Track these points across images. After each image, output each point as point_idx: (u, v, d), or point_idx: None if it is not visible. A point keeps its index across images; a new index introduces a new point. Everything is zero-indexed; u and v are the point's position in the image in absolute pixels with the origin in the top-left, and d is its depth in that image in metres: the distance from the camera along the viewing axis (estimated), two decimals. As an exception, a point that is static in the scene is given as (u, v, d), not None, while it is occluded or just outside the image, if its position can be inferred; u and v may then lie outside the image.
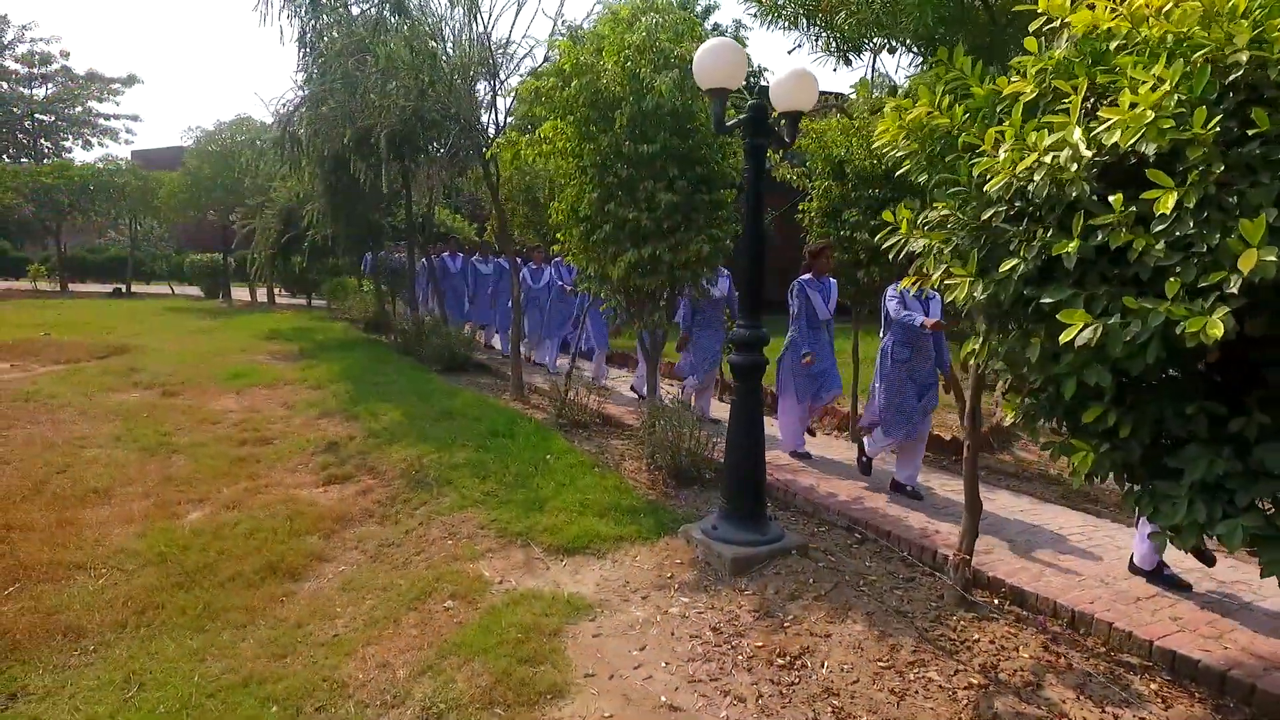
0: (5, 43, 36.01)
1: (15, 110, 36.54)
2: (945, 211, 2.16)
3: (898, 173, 2.55)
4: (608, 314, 6.08)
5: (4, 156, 34.88)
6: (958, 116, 2.22)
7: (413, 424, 6.85)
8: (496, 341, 11.42)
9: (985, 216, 2.01)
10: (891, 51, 3.92)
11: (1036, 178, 1.75)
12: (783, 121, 4.11)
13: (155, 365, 10.64)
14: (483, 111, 7.75)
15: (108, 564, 4.28)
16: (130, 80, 38.99)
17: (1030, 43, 2.03)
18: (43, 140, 37.77)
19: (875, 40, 3.85)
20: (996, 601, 3.57)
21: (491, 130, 7.79)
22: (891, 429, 4.85)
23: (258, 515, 4.95)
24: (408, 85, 6.83)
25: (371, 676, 3.09)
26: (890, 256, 2.34)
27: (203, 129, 18.87)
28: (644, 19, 4.86)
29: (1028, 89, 1.96)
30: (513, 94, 7.97)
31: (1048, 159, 1.73)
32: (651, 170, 4.89)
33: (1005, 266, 1.91)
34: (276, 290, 21.73)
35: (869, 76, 7.00)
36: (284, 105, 8.71)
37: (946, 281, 2.14)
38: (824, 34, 3.96)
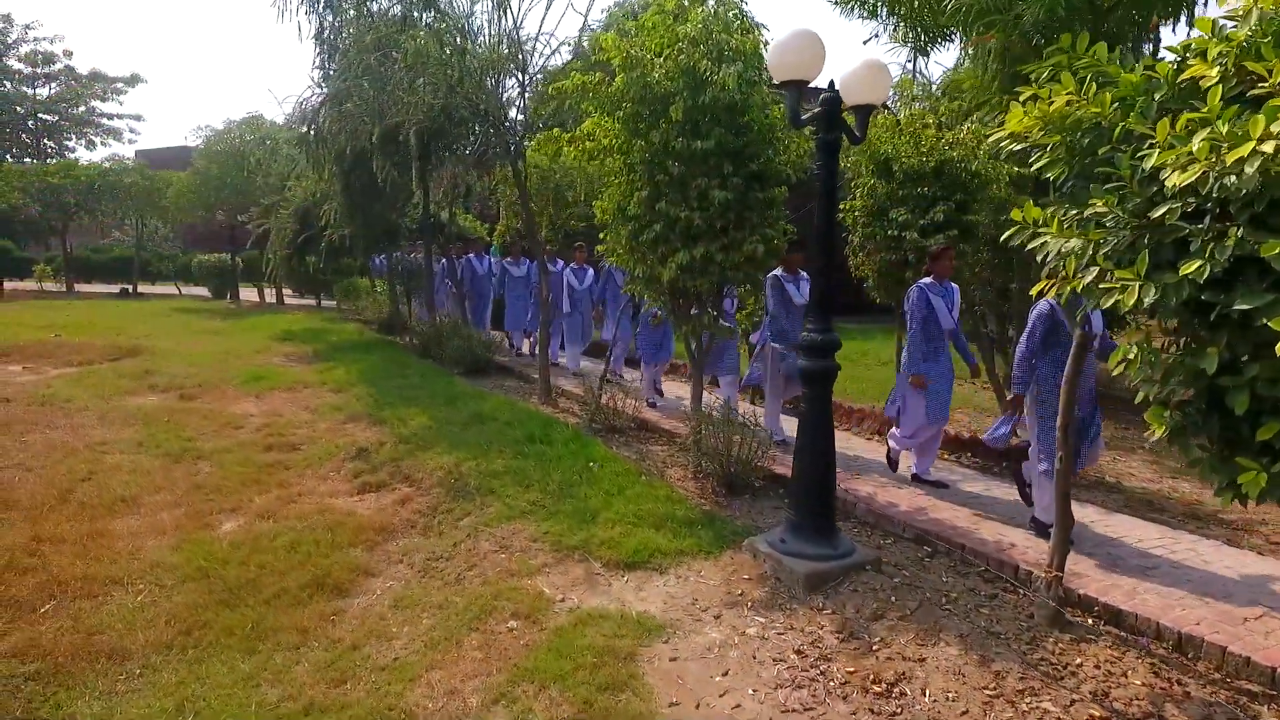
0: (9, 43, 35.79)
1: (19, 110, 36.31)
2: (1102, 208, 1.97)
3: (1028, 168, 2.37)
4: (649, 315, 5.86)
5: (7, 157, 34.65)
6: (1106, 105, 2.04)
7: (443, 429, 6.66)
8: (526, 346, 10.85)
9: (1158, 213, 1.83)
10: (1004, 38, 3.72)
11: (1249, 169, 1.57)
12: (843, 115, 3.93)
13: (170, 367, 10.46)
14: (511, 109, 7.57)
15: (145, 579, 4.09)
16: (134, 80, 38.73)
17: (1203, 23, 1.85)
18: (46, 140, 37.55)
19: (967, 31, 3.66)
20: (1090, 621, 3.39)
21: (520, 128, 7.61)
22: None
23: (295, 526, 4.77)
24: (437, 81, 6.64)
25: (441, 705, 2.90)
26: (1037, 258, 2.15)
27: (211, 128, 18.68)
28: (697, 9, 4.68)
29: (1210, 73, 1.78)
30: (541, 90, 7.79)
31: (1267, 147, 1.54)
32: (704, 167, 4.71)
33: (1188, 268, 1.73)
34: (285, 290, 21.53)
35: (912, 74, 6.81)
36: (303, 103, 8.52)
37: (1102, 285, 1.95)
38: (902, 25, 3.77)
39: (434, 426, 6.79)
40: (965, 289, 7.36)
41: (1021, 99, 2.22)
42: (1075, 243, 2.00)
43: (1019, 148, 2.41)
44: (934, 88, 7.12)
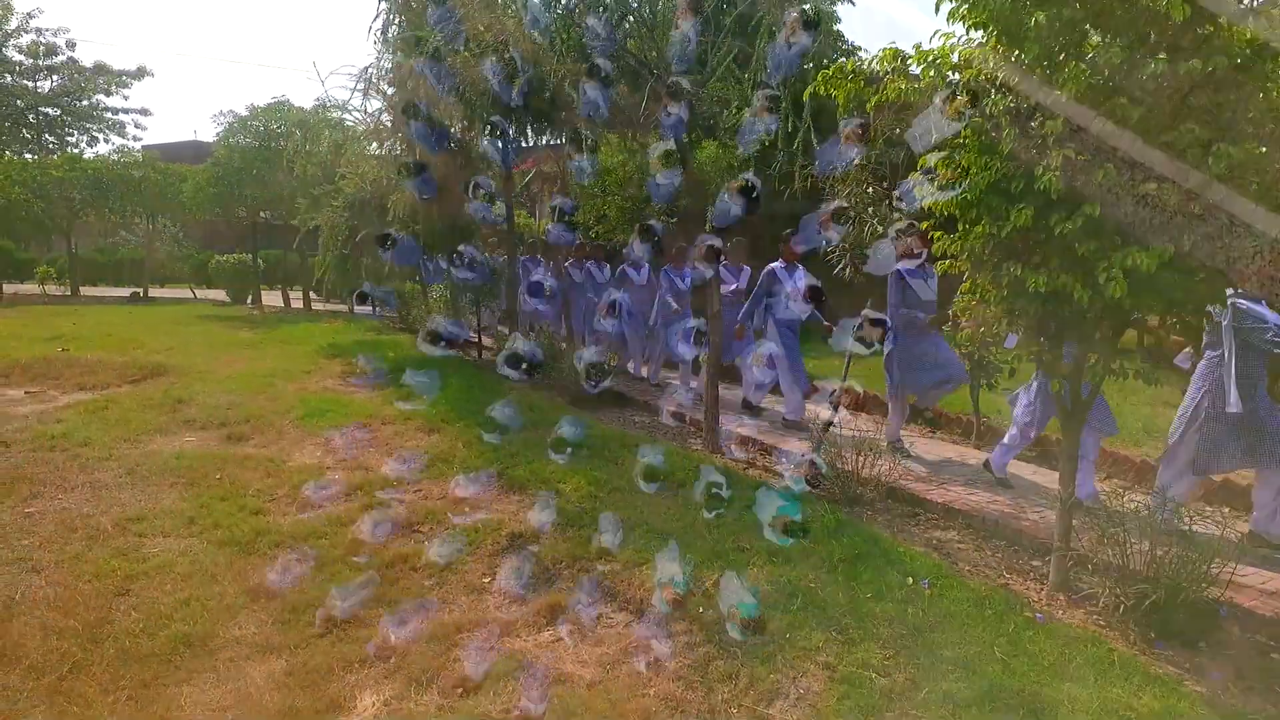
0: (8, 32, 33.90)
1: (19, 103, 34.42)
2: None
3: None
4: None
5: (7, 152, 32.71)
6: None
7: (619, 501, 4.73)
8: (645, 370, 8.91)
9: None
10: None
11: None
12: None
13: (205, 394, 8.50)
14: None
15: None
16: (140, 73, 36.89)
17: None
18: (47, 135, 35.64)
19: None
20: None
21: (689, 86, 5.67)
22: None
23: (488, 715, 2.82)
24: (612, 10, 4.72)
25: None
26: None
27: (234, 113, 16.68)
28: None
29: None
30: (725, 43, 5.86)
31: None
32: (1204, 95, 2.77)
33: None
34: (312, 296, 19.57)
35: None
36: (389, 61, 6.60)
37: None
38: None
39: (602, 497, 4.85)
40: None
41: None
42: None
43: None
44: None
